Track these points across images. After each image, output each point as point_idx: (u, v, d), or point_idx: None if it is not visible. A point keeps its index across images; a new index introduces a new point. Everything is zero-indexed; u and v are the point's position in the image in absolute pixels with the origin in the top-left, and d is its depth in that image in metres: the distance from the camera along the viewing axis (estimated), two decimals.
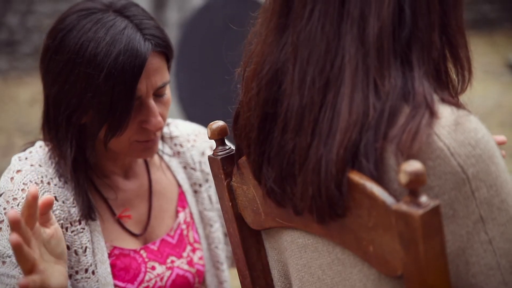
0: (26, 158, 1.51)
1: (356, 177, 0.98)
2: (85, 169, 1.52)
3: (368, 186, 0.97)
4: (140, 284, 1.56)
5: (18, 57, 8.60)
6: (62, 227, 1.47)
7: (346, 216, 1.01)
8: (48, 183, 1.48)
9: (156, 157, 1.68)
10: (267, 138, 1.09)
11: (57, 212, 1.46)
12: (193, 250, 1.66)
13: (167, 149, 1.69)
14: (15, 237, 1.11)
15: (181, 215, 1.66)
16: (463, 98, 1.11)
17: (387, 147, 0.97)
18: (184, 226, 1.66)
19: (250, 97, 1.11)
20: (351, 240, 1.02)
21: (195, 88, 4.50)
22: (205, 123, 1.63)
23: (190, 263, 1.64)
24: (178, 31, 5.03)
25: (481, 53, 7.77)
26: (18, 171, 1.48)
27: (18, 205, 1.43)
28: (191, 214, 1.68)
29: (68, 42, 1.43)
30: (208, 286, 1.69)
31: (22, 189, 1.45)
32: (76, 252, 1.48)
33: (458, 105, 1.02)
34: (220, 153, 1.22)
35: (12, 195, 1.45)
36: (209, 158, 1.23)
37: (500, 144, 1.41)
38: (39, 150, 1.53)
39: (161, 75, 1.47)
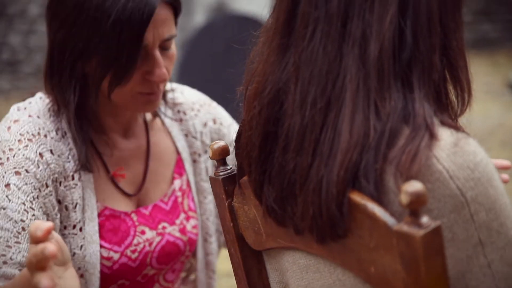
0: (25, 108, 1.51)
1: (357, 197, 0.98)
2: (87, 118, 1.51)
3: (369, 206, 0.97)
4: (127, 247, 1.54)
5: (20, 76, 8.63)
6: (56, 181, 1.46)
7: (347, 236, 1.01)
8: (45, 136, 1.47)
9: (157, 120, 1.66)
10: (268, 157, 1.09)
11: (52, 165, 1.46)
12: (187, 218, 1.64)
13: (169, 113, 1.67)
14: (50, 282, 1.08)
15: (177, 182, 1.64)
16: (464, 118, 1.11)
17: (387, 168, 0.98)
18: (179, 194, 1.64)
19: (252, 116, 1.11)
20: (352, 261, 1.02)
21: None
22: None
23: (182, 230, 1.62)
24: (180, 51, 5.04)
25: (482, 73, 7.79)
26: (15, 121, 1.48)
27: (14, 156, 1.43)
28: (188, 182, 1.65)
29: None
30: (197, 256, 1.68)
31: (19, 140, 1.45)
32: (66, 208, 1.48)
33: (457, 127, 1.02)
34: (221, 173, 1.22)
35: (9, 146, 1.44)
36: (211, 178, 1.23)
37: (503, 169, 1.42)
38: (39, 101, 1.52)
39: (169, 27, 1.46)
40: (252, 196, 1.14)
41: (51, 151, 1.46)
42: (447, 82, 1.07)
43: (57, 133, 1.48)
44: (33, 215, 1.41)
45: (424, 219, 0.91)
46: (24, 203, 1.41)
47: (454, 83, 1.08)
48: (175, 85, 1.68)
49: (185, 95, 1.70)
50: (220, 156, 1.22)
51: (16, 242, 1.38)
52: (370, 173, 0.98)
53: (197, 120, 1.68)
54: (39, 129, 1.47)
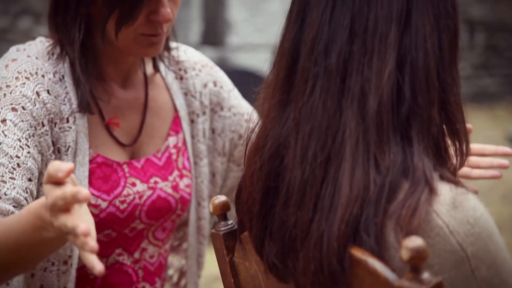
0: (24, 49, 1.50)
1: (358, 253, 0.98)
2: (90, 60, 1.50)
3: (370, 262, 0.96)
4: (116, 197, 1.52)
5: None
6: (51, 121, 1.45)
7: None
8: (43, 76, 1.46)
9: (157, 76, 1.64)
10: (269, 213, 1.09)
11: (48, 105, 1.44)
12: (181, 176, 1.61)
13: (170, 69, 1.65)
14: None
15: (172, 139, 1.62)
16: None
17: (387, 222, 0.98)
18: (173, 151, 1.62)
19: (253, 171, 1.11)
20: None
21: None
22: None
23: (175, 187, 1.59)
24: None
25: (482, 126, 7.81)
26: (13, 59, 1.47)
27: (11, 92, 1.42)
28: (184, 141, 1.63)
29: None
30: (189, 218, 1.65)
31: (16, 78, 1.44)
32: (59, 150, 1.46)
33: (456, 182, 1.02)
34: (222, 229, 1.21)
35: (6, 82, 1.44)
36: (212, 234, 1.23)
37: (505, 155, 1.43)
38: (39, 44, 1.52)
39: None
40: (253, 251, 1.14)
41: (48, 91, 1.45)
42: (446, 136, 1.08)
43: (54, 76, 1.47)
44: (29, 152, 1.39)
45: (425, 275, 0.91)
46: (19, 140, 1.39)
47: (452, 137, 1.09)
48: (179, 44, 1.68)
49: (188, 54, 1.69)
50: (221, 211, 1.22)
51: (11, 178, 1.36)
52: (370, 227, 0.98)
53: (197, 79, 1.67)
54: (37, 69, 1.46)
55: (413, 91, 1.03)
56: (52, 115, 1.45)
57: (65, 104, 1.47)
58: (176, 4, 1.49)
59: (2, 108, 1.41)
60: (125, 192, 1.52)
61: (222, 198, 1.22)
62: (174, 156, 1.61)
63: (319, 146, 1.04)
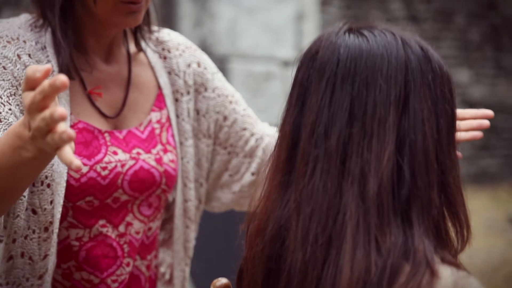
0: (7, 22, 1.50)
1: None
2: (71, 27, 1.47)
3: None
4: (97, 162, 1.48)
5: None
6: None
7: None
8: (24, 42, 1.45)
9: (141, 55, 1.62)
10: None
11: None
12: (165, 151, 1.57)
13: (153, 49, 1.63)
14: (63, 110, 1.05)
15: (155, 114, 1.59)
16: (465, 254, 1.12)
17: None
18: (156, 125, 1.58)
19: (254, 253, 1.12)
20: None
21: (198, 243, 4.48)
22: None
23: (158, 160, 1.55)
24: None
25: (484, 208, 7.78)
26: None
27: None
28: (168, 118, 1.60)
29: None
30: (176, 200, 1.60)
31: None
32: None
33: (458, 265, 1.02)
34: None
35: None
36: None
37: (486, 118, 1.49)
38: (22, 17, 1.51)
39: None
40: None
41: (29, 55, 1.44)
42: (446, 218, 1.09)
43: (36, 44, 1.46)
44: (10, 109, 1.38)
45: None
46: (1, 97, 1.38)
47: (452, 219, 1.09)
48: (162, 28, 1.67)
49: (171, 35, 1.68)
50: None
51: None
52: None
53: (181, 59, 1.65)
54: (19, 35, 1.46)
55: (412, 174, 1.04)
56: None
57: None
58: None
59: None
60: (106, 159, 1.49)
61: (223, 280, 1.22)
62: (157, 131, 1.58)
63: (320, 228, 1.04)
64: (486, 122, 1.51)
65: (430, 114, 1.07)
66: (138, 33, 1.59)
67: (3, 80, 1.41)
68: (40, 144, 1.10)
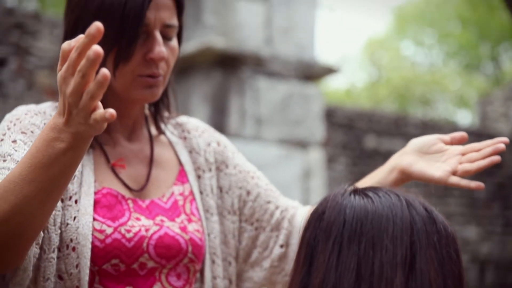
0: (35, 105, 1.56)
1: None
2: None
3: None
4: (121, 225, 1.46)
5: None
6: None
7: None
8: (50, 115, 1.50)
9: (161, 136, 1.65)
10: None
11: None
12: (189, 220, 1.55)
13: (173, 132, 1.66)
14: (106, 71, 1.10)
15: (177, 187, 1.59)
16: None
17: None
18: (179, 197, 1.58)
19: None
20: None
21: None
22: None
23: (183, 228, 1.52)
24: None
25: None
26: (22, 106, 1.53)
27: (20, 122, 1.47)
28: (191, 192, 1.60)
29: None
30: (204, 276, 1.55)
31: (25, 113, 1.50)
32: None
33: None
34: None
35: (16, 117, 1.49)
36: None
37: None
38: (47, 103, 1.57)
39: (170, 14, 1.53)
40: None
41: None
42: None
43: None
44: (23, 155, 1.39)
45: None
46: (20, 146, 1.43)
47: None
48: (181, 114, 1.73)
49: (190, 119, 1.72)
50: None
51: None
52: None
53: (200, 139, 1.68)
54: (45, 111, 1.52)
55: None
56: None
57: None
58: (173, 52, 1.56)
59: (12, 133, 1.46)
60: (130, 223, 1.49)
61: None
62: (180, 202, 1.59)
63: None
64: (502, 146, 1.51)
65: (437, 275, 1.08)
66: (158, 116, 1.66)
67: (31, 141, 1.47)
68: (75, 125, 1.15)
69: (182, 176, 1.64)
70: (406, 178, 1.58)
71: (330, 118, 7.86)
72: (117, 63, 1.51)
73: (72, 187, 1.48)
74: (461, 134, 1.59)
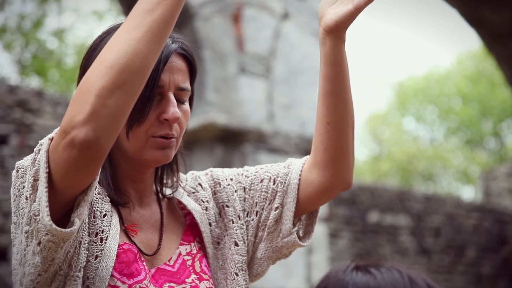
0: None
1: None
2: (110, 170, 1.56)
3: None
4: (137, 282, 1.47)
5: None
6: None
7: None
8: None
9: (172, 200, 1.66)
10: None
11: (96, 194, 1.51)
12: (200, 279, 1.54)
13: (193, 203, 1.66)
14: None
15: (183, 247, 1.60)
16: None
17: None
18: (187, 257, 1.58)
19: None
20: None
21: None
22: None
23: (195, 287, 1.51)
24: None
25: None
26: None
27: None
28: (199, 248, 1.62)
29: (102, 38, 1.58)
30: None
31: None
32: (94, 214, 1.48)
33: None
34: None
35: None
36: None
37: None
38: None
39: (184, 77, 1.56)
40: None
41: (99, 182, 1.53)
42: None
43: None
44: None
45: None
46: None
47: None
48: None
49: (203, 185, 1.73)
50: None
51: None
52: None
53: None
54: None
55: None
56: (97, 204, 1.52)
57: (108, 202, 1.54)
58: (186, 116, 1.58)
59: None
60: (146, 282, 1.49)
61: None
62: (189, 262, 1.60)
63: None
64: None
65: None
66: (163, 185, 1.68)
67: None
68: None
69: (187, 236, 1.67)
70: (336, 32, 1.55)
71: None
72: (131, 125, 1.52)
73: (100, 224, 1.50)
74: None
